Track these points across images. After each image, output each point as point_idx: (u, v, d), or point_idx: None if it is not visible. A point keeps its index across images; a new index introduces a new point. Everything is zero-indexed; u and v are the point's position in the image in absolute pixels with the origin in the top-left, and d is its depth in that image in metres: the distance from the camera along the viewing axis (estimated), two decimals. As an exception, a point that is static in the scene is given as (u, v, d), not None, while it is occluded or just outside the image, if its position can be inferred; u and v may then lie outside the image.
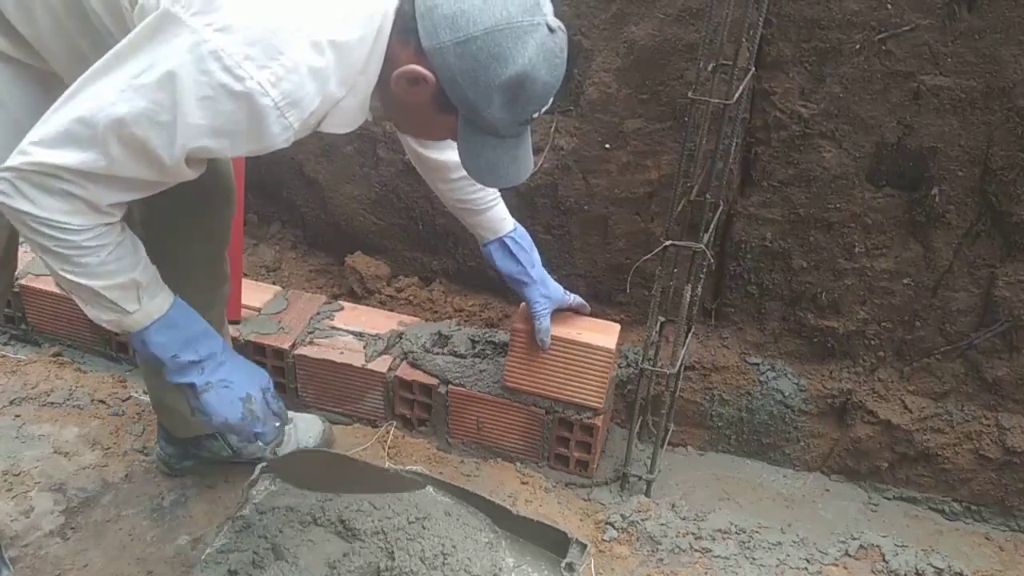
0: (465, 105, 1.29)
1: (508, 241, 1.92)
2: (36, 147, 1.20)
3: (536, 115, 1.34)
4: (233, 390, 1.49)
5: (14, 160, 1.21)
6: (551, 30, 1.27)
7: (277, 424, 1.56)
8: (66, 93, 1.21)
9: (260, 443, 1.56)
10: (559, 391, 2.09)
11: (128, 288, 1.36)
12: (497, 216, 1.90)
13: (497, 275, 1.99)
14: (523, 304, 2.03)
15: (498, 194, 1.89)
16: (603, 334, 2.06)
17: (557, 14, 1.33)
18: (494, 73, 1.24)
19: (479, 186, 1.79)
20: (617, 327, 2.11)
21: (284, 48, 1.15)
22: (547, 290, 1.98)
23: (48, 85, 1.36)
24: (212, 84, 1.14)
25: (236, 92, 1.15)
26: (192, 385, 1.46)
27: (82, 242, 1.28)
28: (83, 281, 1.32)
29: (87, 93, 1.19)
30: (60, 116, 1.20)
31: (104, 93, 1.17)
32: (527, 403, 2.11)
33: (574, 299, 2.09)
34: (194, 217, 1.73)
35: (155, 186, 1.30)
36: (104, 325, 1.41)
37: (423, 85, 1.28)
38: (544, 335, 2.00)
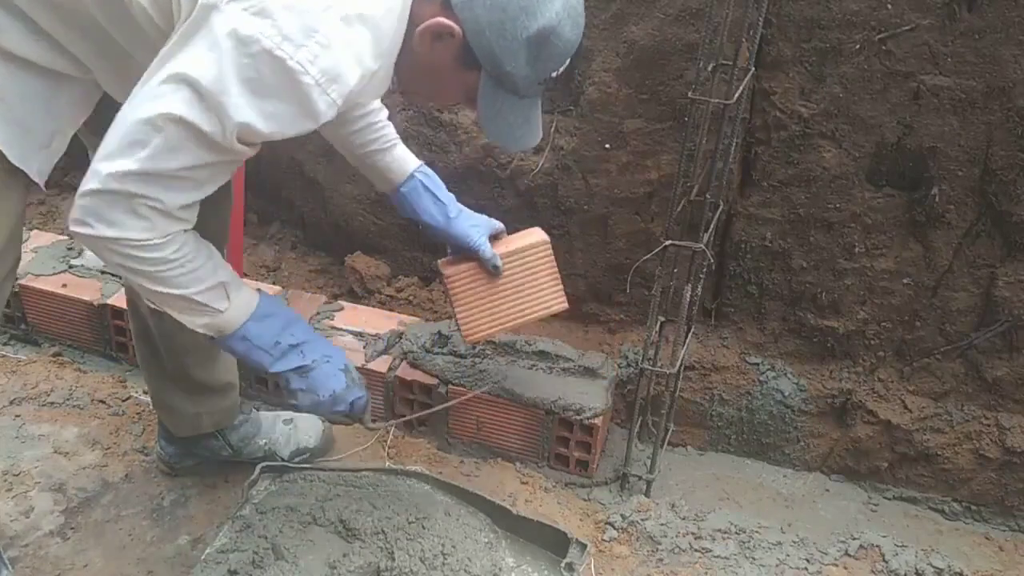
0: (490, 60, 1.32)
1: (421, 177, 1.80)
2: (104, 162, 1.24)
3: (555, 74, 1.37)
4: (333, 363, 1.57)
5: (89, 184, 1.26)
6: None
7: (364, 389, 1.64)
8: (124, 104, 1.25)
9: (354, 410, 1.62)
10: (521, 313, 1.94)
11: (216, 289, 1.43)
12: (402, 153, 1.80)
13: (416, 226, 1.87)
14: (448, 250, 1.90)
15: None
16: (529, 236, 1.94)
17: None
18: (522, 25, 1.28)
19: (382, 123, 1.75)
20: (536, 229, 1.97)
21: (317, 26, 1.18)
22: (474, 220, 1.87)
23: (54, 84, 1.37)
24: (255, 66, 1.17)
25: (277, 72, 1.18)
26: (300, 367, 1.53)
27: (168, 256, 1.33)
28: (175, 291, 1.38)
29: (141, 96, 1.23)
30: (120, 125, 1.24)
31: (157, 92, 1.21)
32: (527, 405, 2.11)
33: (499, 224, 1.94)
34: None
35: (217, 176, 1.33)
36: (200, 330, 1.47)
37: (448, 40, 1.31)
38: (495, 260, 1.85)
